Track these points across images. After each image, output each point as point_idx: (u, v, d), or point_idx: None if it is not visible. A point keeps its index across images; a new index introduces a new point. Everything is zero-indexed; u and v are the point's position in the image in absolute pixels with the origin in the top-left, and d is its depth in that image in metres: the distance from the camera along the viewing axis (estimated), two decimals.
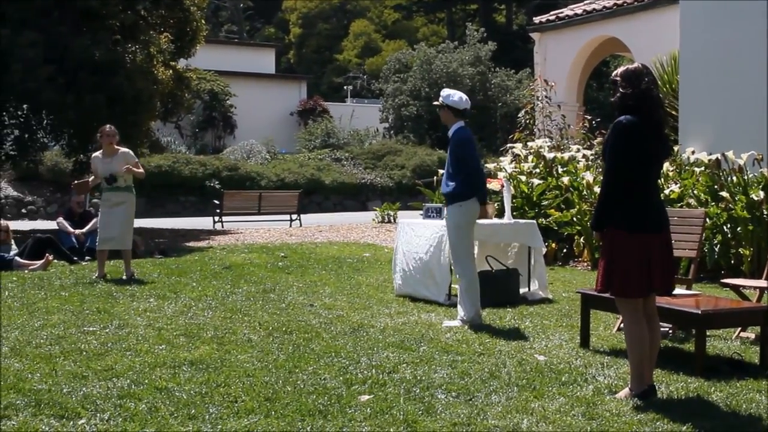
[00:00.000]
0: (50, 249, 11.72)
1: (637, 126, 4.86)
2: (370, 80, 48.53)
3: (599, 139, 14.11)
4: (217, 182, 27.14)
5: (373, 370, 5.57)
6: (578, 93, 21.13)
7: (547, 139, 14.63)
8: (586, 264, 11.80)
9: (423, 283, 8.67)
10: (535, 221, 9.74)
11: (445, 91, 7.69)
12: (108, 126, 10.43)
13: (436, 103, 7.74)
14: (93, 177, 10.40)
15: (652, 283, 4.98)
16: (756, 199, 9.86)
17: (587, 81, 22.88)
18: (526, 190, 12.55)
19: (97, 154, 10.32)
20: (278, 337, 6.65)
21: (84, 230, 12.83)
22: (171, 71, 17.36)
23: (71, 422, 4.49)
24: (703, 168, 10.99)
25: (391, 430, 4.42)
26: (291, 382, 5.28)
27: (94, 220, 13.14)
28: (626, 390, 5.04)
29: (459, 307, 7.46)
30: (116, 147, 10.23)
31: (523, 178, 12.80)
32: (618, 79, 4.99)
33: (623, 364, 5.80)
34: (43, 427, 4.42)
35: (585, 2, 20.78)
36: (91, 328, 6.93)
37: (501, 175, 12.37)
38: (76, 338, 6.53)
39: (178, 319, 7.42)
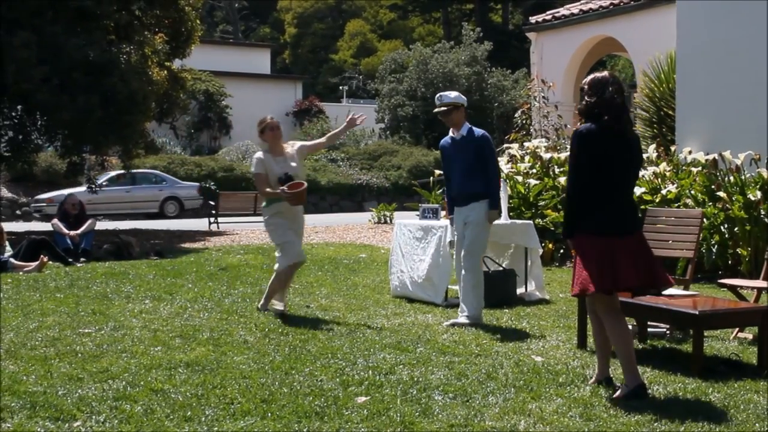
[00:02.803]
0: (45, 250, 11.69)
1: (595, 134, 5.02)
2: (366, 80, 48.54)
3: None
4: (212, 183, 27.11)
5: (370, 372, 5.55)
6: (575, 93, 21.08)
7: (543, 140, 14.61)
8: None
9: (420, 285, 8.65)
10: (531, 222, 9.74)
11: (452, 93, 7.67)
12: (269, 117, 8.23)
13: (442, 108, 7.58)
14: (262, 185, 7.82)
15: (618, 282, 5.04)
16: (753, 199, 9.85)
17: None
18: (522, 191, 12.54)
19: (262, 154, 7.88)
20: (274, 339, 6.63)
21: (79, 231, 12.78)
22: (166, 72, 17.32)
23: (66, 424, 4.48)
24: (700, 168, 10.98)
25: (388, 431, 4.40)
26: (287, 383, 5.26)
27: (89, 222, 13.10)
28: (623, 387, 5.06)
29: (462, 304, 7.46)
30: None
31: (520, 178, 12.78)
32: (585, 87, 5.16)
33: (619, 365, 5.79)
34: (39, 429, 4.40)
35: (581, 2, 20.76)
36: (86, 330, 6.91)
37: None
38: (72, 340, 6.51)
39: (173, 320, 7.39)
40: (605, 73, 5.25)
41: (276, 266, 7.83)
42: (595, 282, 5.00)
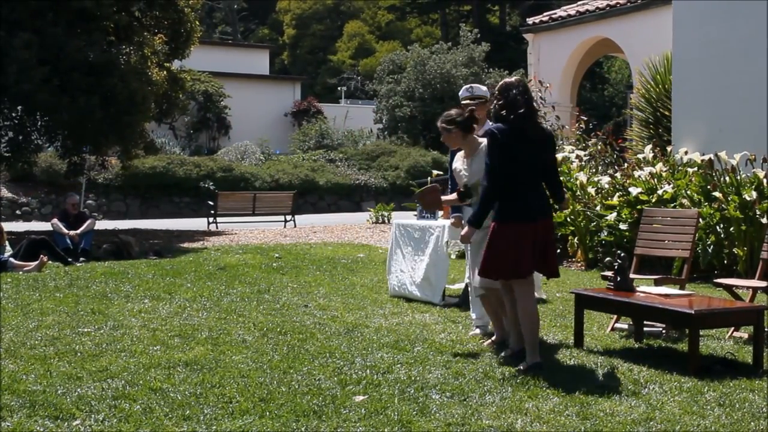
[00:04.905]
0: (45, 250, 11.71)
1: (503, 132, 5.65)
2: (364, 81, 48.47)
3: (594, 140, 14.16)
4: (211, 183, 27.11)
5: (368, 371, 5.58)
6: (572, 94, 21.16)
7: None
8: (580, 264, 11.83)
9: (417, 284, 8.68)
10: None
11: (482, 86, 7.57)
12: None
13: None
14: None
15: (521, 266, 5.70)
16: (749, 199, 9.89)
17: (580, 81, 22.91)
18: None
19: (462, 154, 6.45)
20: (273, 338, 6.66)
21: (78, 231, 12.81)
22: (165, 72, 17.34)
23: (66, 423, 4.50)
24: (696, 168, 11.01)
25: (386, 430, 4.44)
26: (285, 382, 5.29)
27: (89, 222, 13.14)
28: (525, 362, 5.70)
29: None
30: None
31: None
32: (495, 92, 5.87)
33: (617, 364, 5.83)
34: (38, 428, 4.43)
35: (578, 3, 20.81)
36: (85, 329, 6.94)
37: None
38: (71, 339, 6.54)
39: (172, 319, 7.42)
40: (513, 78, 6.01)
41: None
42: (501, 270, 5.74)
